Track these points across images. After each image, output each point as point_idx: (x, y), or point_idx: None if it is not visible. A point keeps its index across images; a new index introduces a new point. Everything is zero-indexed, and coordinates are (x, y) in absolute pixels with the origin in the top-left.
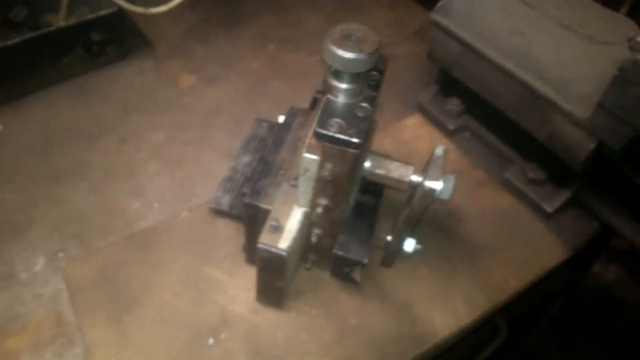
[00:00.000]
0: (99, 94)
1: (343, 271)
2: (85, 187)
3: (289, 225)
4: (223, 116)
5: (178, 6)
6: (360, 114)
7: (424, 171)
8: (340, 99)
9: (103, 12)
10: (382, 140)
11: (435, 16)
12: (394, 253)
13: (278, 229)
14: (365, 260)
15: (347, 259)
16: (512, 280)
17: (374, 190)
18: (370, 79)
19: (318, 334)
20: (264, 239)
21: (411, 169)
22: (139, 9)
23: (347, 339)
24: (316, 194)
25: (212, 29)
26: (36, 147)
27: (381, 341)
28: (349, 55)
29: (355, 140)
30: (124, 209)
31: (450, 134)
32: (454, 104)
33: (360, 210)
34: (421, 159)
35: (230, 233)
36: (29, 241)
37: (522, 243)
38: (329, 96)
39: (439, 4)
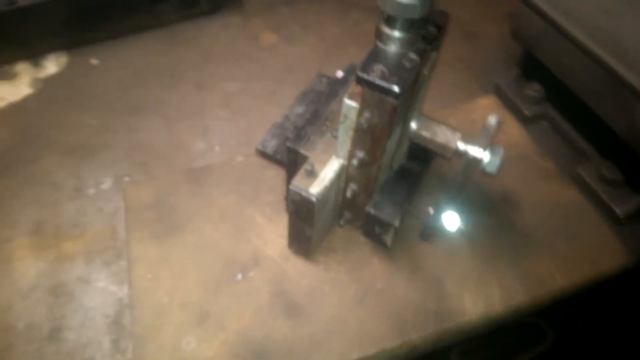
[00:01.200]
0: (185, 42)
1: (374, 232)
2: (159, 122)
3: (323, 172)
4: (295, 75)
5: None
6: (407, 65)
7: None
8: (389, 47)
9: None
10: (449, 117)
11: None
12: (433, 227)
13: (312, 174)
14: (396, 223)
15: (379, 219)
16: (558, 278)
17: (421, 158)
18: (425, 32)
19: (341, 290)
20: (296, 181)
21: (458, 135)
22: None
23: (369, 301)
24: (354, 144)
25: None
26: (123, 82)
27: (403, 309)
28: None
29: (395, 88)
30: (188, 146)
31: (525, 121)
32: (534, 89)
33: (403, 175)
34: None
35: (277, 182)
36: (101, 162)
37: (579, 242)
38: (379, 43)
39: None
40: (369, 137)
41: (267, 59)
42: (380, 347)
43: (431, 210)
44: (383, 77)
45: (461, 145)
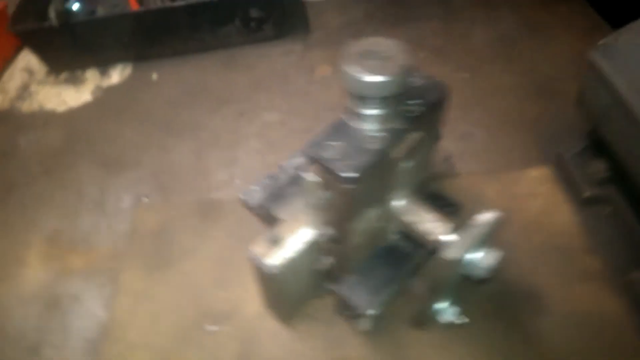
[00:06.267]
0: (242, 67)
1: (346, 314)
2: (192, 146)
3: (290, 242)
4: (337, 113)
5: None
6: (369, 145)
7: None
8: (353, 123)
9: None
10: (484, 186)
11: (594, 55)
12: (423, 316)
13: (276, 243)
14: (368, 312)
15: (349, 304)
16: None
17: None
18: (407, 108)
19: None
20: (256, 248)
21: (448, 227)
22: None
23: None
24: (320, 220)
25: (372, 26)
26: (173, 100)
27: None
28: (356, 74)
29: (343, 174)
30: (211, 175)
31: (581, 203)
32: (599, 167)
33: (391, 255)
34: (524, 222)
35: None
36: (126, 179)
37: None
38: (343, 116)
39: (602, 41)
40: (333, 216)
41: (316, 92)
42: None
43: (425, 296)
44: (334, 157)
45: (444, 239)
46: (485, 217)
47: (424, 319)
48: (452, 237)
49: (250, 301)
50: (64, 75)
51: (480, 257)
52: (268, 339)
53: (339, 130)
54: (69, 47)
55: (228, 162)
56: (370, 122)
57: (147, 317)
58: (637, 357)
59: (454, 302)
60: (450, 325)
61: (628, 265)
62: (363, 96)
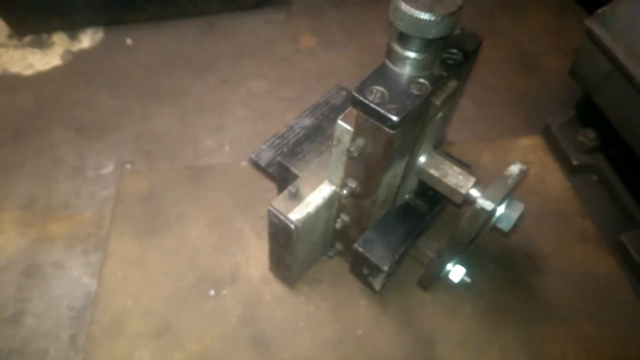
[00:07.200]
0: (222, 34)
1: (362, 272)
2: (175, 112)
3: (310, 198)
4: (326, 83)
5: None
6: (414, 91)
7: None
8: (398, 69)
9: None
10: (481, 152)
11: (591, 23)
12: (434, 276)
13: (296, 198)
14: (385, 268)
15: (367, 260)
16: None
17: (432, 196)
18: (447, 56)
19: (317, 329)
20: (276, 204)
21: (473, 181)
22: None
23: (345, 348)
24: (346, 172)
25: None
26: (151, 66)
27: None
28: (409, 10)
29: (392, 117)
30: (198, 141)
31: (570, 171)
32: (587, 136)
33: (406, 213)
34: (519, 188)
35: (275, 195)
36: (107, 145)
37: (607, 323)
38: (387, 62)
39: (599, 10)
40: (363, 168)
41: (302, 62)
42: None
43: (435, 257)
44: (382, 102)
45: (474, 193)
46: (513, 169)
47: (432, 280)
48: (484, 189)
49: (253, 265)
50: (28, 38)
51: (507, 209)
52: (273, 301)
53: (382, 76)
54: (35, 8)
55: (215, 129)
56: (414, 67)
57: (141, 283)
58: (631, 311)
59: (460, 264)
60: (455, 286)
61: (618, 227)
62: (412, 36)
